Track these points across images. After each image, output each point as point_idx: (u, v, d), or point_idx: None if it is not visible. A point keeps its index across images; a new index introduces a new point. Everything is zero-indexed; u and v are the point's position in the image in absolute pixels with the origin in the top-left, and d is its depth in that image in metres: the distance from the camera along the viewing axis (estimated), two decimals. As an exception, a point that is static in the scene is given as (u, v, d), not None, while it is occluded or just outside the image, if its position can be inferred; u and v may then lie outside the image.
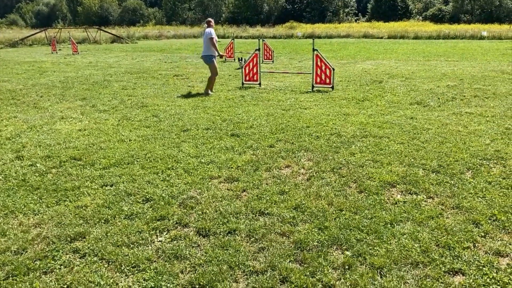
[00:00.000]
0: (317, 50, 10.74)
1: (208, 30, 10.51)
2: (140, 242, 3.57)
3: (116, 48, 30.47)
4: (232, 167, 5.35)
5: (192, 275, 3.08)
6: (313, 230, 3.72)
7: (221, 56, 11.02)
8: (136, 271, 3.16)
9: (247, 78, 11.84)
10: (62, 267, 3.24)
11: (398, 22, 55.96)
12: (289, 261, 3.24)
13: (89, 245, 3.53)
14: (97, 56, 22.82)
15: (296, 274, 3.06)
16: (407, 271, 3.12)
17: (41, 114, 8.69)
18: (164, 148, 6.17)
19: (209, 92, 10.60)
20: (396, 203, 4.26)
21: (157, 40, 45.18)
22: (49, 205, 4.34)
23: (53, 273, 3.17)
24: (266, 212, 4.09)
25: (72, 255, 3.41)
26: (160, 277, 3.05)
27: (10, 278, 3.09)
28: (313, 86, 11.02)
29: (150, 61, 19.68)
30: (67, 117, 8.33)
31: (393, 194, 4.50)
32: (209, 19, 10.97)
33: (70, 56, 23.22)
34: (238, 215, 4.04)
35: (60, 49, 28.32)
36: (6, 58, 22.91)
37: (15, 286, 2.99)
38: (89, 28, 42.19)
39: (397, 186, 4.69)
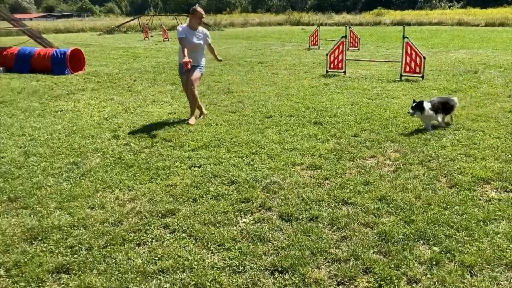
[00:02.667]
0: (407, 37, 10.29)
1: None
2: (226, 222, 3.70)
3: (203, 35, 31.33)
4: (315, 155, 5.33)
5: (275, 258, 3.14)
6: (398, 223, 3.62)
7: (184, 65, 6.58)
8: (222, 250, 3.28)
9: (332, 66, 11.66)
10: (153, 240, 3.46)
11: (497, 8, 51.76)
12: (373, 252, 3.19)
13: (178, 222, 3.73)
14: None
15: (380, 266, 3.01)
16: (501, 272, 2.94)
17: (135, 97, 9.24)
18: (249, 133, 6.30)
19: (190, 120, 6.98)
20: (490, 200, 4.01)
21: (243, 27, 45.84)
22: (142, 182, 4.63)
23: (145, 245, 3.40)
24: (349, 201, 4.04)
25: (162, 230, 3.62)
26: (244, 257, 3.15)
27: (109, 247, 3.35)
28: (401, 75, 10.60)
29: (236, 49, 20.05)
30: (158, 101, 8.77)
31: (486, 191, 4.23)
32: (194, 7, 6.98)
33: (161, 43, 24.32)
34: (320, 202, 4.03)
35: (151, 36, 29.74)
36: (104, 44, 24.54)
37: (112, 255, 3.24)
38: (179, 15, 43.77)
39: (492, 182, 4.40)
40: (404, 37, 10.31)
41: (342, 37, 11.39)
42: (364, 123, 6.66)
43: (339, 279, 2.92)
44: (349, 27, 17.07)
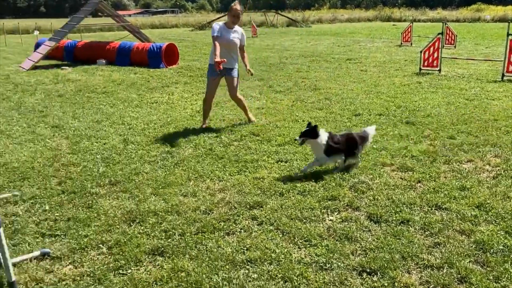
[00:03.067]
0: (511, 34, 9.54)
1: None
2: (312, 218, 3.69)
3: (291, 32, 31.44)
4: (406, 156, 5.14)
5: (363, 258, 3.08)
6: (498, 232, 3.38)
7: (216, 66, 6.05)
8: (308, 245, 3.28)
9: (426, 64, 11.13)
10: (242, 231, 3.55)
11: None
12: (469, 261, 3.01)
13: (265, 214, 3.79)
14: (274, 39, 23.88)
15: (477, 276, 2.83)
16: None
17: (225, 91, 9.48)
18: (336, 131, 6.22)
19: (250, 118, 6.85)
20: None
21: (331, 23, 45.24)
22: (232, 174, 4.77)
23: (234, 235, 3.50)
24: (443, 206, 3.85)
25: (250, 222, 3.71)
26: (331, 255, 3.13)
27: (200, 234, 3.50)
28: (503, 75, 9.85)
29: (323, 45, 19.85)
30: (247, 96, 8.94)
31: None
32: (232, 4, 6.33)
33: (250, 39, 24.73)
34: (412, 206, 3.88)
35: (240, 32, 30.35)
36: (196, 39, 25.51)
37: (203, 242, 3.37)
38: (268, 12, 44.23)
39: None
40: (508, 34, 9.56)
41: (438, 33, 10.82)
42: (461, 125, 6.29)
43: (431, 286, 2.79)
44: (445, 24, 16.17)
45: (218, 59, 5.97)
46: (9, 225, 3.70)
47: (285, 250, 3.21)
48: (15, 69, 13.47)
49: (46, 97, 9.16)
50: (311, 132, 4.59)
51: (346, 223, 3.62)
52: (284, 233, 3.48)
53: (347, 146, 4.66)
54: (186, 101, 8.58)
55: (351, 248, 3.23)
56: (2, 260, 2.78)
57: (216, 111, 7.62)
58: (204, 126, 6.63)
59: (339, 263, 3.04)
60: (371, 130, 4.92)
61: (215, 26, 6.31)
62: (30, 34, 30.78)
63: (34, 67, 13.37)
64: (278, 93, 9.10)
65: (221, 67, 6.06)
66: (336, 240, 3.34)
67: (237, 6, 6.26)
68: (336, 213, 3.81)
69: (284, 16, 42.55)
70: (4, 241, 2.62)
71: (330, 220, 3.69)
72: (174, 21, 43.57)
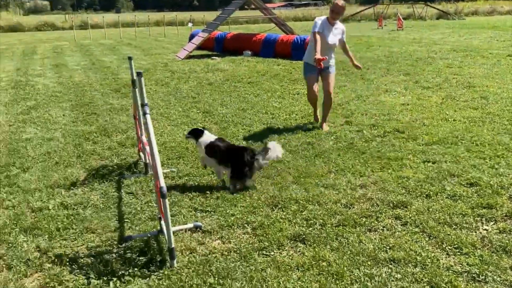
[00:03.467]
0: None
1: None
2: (464, 225, 3.43)
3: (442, 25, 29.34)
4: None
5: (524, 276, 2.78)
6: None
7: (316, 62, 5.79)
8: (459, 253, 3.06)
9: None
10: (384, 229, 3.45)
11: None
12: None
13: (410, 215, 3.63)
14: (421, 33, 22.54)
15: None
16: None
17: (367, 85, 9.27)
18: (493, 133, 5.67)
19: (324, 126, 6.25)
20: None
21: (488, 16, 41.16)
22: (374, 170, 4.65)
23: (376, 232, 3.42)
24: None
25: (393, 221, 3.58)
26: (485, 267, 2.88)
27: (341, 227, 3.49)
28: None
29: (479, 39, 18.15)
30: (391, 91, 8.62)
31: None
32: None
33: (395, 32, 23.72)
34: None
35: (385, 25, 29.25)
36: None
37: (344, 235, 3.36)
38: (416, 3, 41.85)
39: None
40: None
41: None
42: None
43: None
44: None
45: (318, 56, 5.67)
46: (168, 198, 4.09)
47: (432, 255, 3.04)
48: (172, 58, 14.78)
49: (198, 85, 9.89)
50: (195, 133, 4.42)
51: (505, 234, 3.29)
52: (431, 237, 3.29)
53: (232, 160, 4.21)
54: (327, 94, 8.56)
55: (510, 262, 2.93)
56: (164, 228, 3.10)
57: (358, 105, 7.48)
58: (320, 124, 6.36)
59: (495, 277, 2.78)
60: (274, 147, 4.26)
61: (317, 21, 6.01)
62: (184, 26, 33.49)
63: (188, 57, 14.53)
64: (425, 89, 8.59)
65: (322, 65, 5.80)
66: (492, 252, 3.06)
67: (339, 1, 5.88)
68: (492, 222, 3.49)
69: (434, 8, 39.85)
70: (168, 212, 2.91)
71: (485, 229, 3.39)
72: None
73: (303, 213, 3.73)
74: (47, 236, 3.47)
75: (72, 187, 4.41)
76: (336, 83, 9.48)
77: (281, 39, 14.18)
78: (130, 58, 4.45)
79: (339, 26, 6.13)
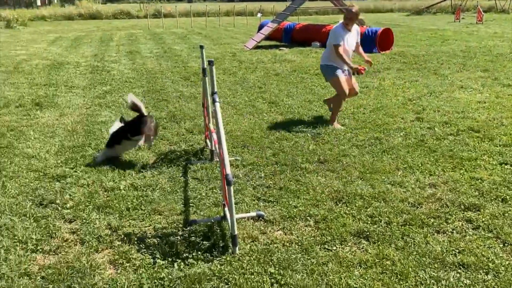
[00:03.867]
0: None
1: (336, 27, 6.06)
2: (544, 234, 3.20)
3: (526, 18, 27.32)
4: None
5: None
6: None
7: (357, 72, 5.83)
8: (536, 264, 2.87)
9: None
10: (454, 232, 3.29)
11: None
12: None
13: (483, 219, 3.43)
14: (503, 27, 21.12)
15: None
16: None
17: (441, 81, 8.85)
18: None
19: (335, 125, 6.05)
20: None
21: None
22: (445, 170, 4.44)
23: (445, 234, 3.27)
24: None
25: (464, 224, 3.41)
26: None
27: (407, 226, 3.37)
28: None
29: None
30: (466, 87, 8.17)
31: None
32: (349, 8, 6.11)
33: (473, 26, 22.41)
34: None
35: (463, 18, 27.70)
36: (411, 24, 24.29)
37: (411, 234, 3.24)
38: (498, -5, 39.23)
39: None
40: None
41: None
42: None
43: None
44: None
45: (356, 65, 5.79)
46: (232, 185, 4.16)
47: (507, 263, 2.86)
48: (240, 47, 14.93)
49: (265, 75, 9.92)
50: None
51: None
52: (506, 244, 3.10)
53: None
54: (398, 88, 8.28)
55: None
56: (228, 215, 3.15)
57: (430, 101, 7.17)
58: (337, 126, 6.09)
59: None
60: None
61: (337, 32, 5.85)
62: (254, 16, 33.66)
63: (256, 47, 14.60)
64: (506, 87, 8.06)
65: (363, 71, 5.78)
66: None
67: (354, 8, 5.87)
68: None
69: (519, 0, 37.12)
70: (233, 199, 2.96)
71: None
72: (389, 6, 42.24)
73: (368, 210, 3.64)
74: (117, 215, 3.64)
75: (142, 170, 4.59)
76: (408, 78, 9.16)
77: (351, 30, 13.85)
78: (201, 47, 4.54)
79: (354, 28, 6.04)
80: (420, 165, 4.58)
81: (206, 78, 4.61)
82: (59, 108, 6.98)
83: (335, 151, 5.05)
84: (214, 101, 3.28)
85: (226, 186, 2.97)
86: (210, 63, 3.43)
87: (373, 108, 6.87)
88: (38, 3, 61.22)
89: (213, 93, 3.35)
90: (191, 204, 3.83)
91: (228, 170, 2.90)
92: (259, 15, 31.04)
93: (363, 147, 5.16)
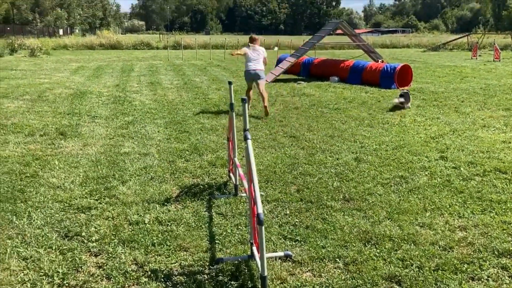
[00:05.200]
0: None
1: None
2: None
3: (544, 57, 27.29)
4: None
5: None
6: None
7: None
8: None
9: None
10: (490, 279, 3.19)
11: None
12: None
13: (519, 266, 3.33)
14: (521, 64, 21.11)
15: None
16: None
17: (462, 119, 8.79)
18: None
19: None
20: None
21: None
22: (474, 212, 4.35)
23: (480, 281, 3.17)
24: None
25: (500, 271, 3.30)
26: None
27: (440, 271, 3.28)
28: None
29: None
30: (489, 126, 8.09)
31: None
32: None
33: (491, 63, 22.43)
34: None
35: (480, 55, 27.79)
36: (428, 60, 24.41)
37: (444, 280, 3.15)
38: (514, 33, 39.41)
39: None
40: None
41: None
42: None
43: None
44: None
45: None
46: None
47: (548, 315, 2.75)
48: (258, 80, 15.07)
49: (284, 108, 9.97)
50: None
51: None
52: (546, 294, 2.98)
53: None
54: (419, 126, 8.24)
55: None
56: (256, 254, 3.10)
57: (453, 140, 7.10)
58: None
59: None
60: None
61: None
62: (270, 49, 34.17)
63: (275, 80, 14.74)
64: (529, 127, 7.97)
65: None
66: None
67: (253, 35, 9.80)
68: None
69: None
70: (264, 239, 2.91)
71: None
72: (405, 41, 42.67)
73: (397, 252, 3.56)
74: (143, 250, 3.61)
75: (166, 203, 4.58)
76: (428, 115, 9.12)
77: (369, 66, 13.96)
78: (230, 83, 4.59)
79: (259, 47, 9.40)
80: (448, 206, 4.49)
81: (233, 113, 4.64)
82: (83, 138, 7.07)
83: (360, 189, 4.99)
84: (246, 138, 3.27)
85: (256, 226, 2.93)
86: (243, 100, 3.45)
87: (396, 145, 6.82)
88: (61, 32, 63.13)
89: (245, 130, 3.35)
90: (216, 241, 3.79)
91: (260, 209, 2.86)
92: (275, 48, 31.51)
93: (388, 186, 5.10)
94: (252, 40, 9.37)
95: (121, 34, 75.33)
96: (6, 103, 10.00)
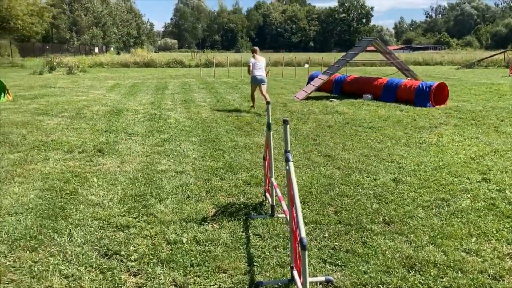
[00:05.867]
0: None
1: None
2: None
3: None
4: None
5: None
6: None
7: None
8: None
9: None
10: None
11: None
12: None
13: None
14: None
15: None
16: None
17: (504, 139, 8.51)
18: None
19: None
20: None
21: None
22: (523, 239, 4.16)
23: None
24: None
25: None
26: None
27: (491, 302, 3.12)
28: None
29: None
30: (533, 147, 7.80)
31: None
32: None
33: (505, 78, 21.78)
34: None
35: (517, 72, 27.04)
36: (462, 78, 23.90)
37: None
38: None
39: None
40: None
41: None
42: None
43: None
44: None
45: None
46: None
47: None
48: (290, 98, 15.08)
49: (317, 127, 9.89)
50: None
51: None
52: None
53: None
54: (457, 145, 8.01)
55: None
56: (297, 279, 3.02)
57: (495, 161, 6.86)
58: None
59: None
60: None
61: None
62: (301, 66, 34.22)
63: (306, 97, 14.70)
64: None
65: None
66: None
67: (254, 47, 12.69)
68: None
69: None
70: (306, 264, 2.84)
71: None
72: (438, 58, 41.97)
73: (444, 280, 3.42)
74: (181, 270, 3.59)
75: (203, 222, 4.56)
76: (467, 135, 8.88)
77: (404, 84, 13.76)
78: (268, 103, 4.57)
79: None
80: (495, 232, 4.31)
81: (271, 132, 4.62)
82: (120, 155, 7.17)
83: (400, 211, 4.85)
84: (287, 160, 3.24)
85: (299, 250, 2.86)
86: (285, 122, 3.42)
87: (435, 166, 6.64)
88: (96, 50, 65.18)
89: (286, 151, 3.31)
90: (255, 263, 3.73)
91: (303, 233, 2.81)
92: (306, 65, 31.55)
93: (429, 209, 4.94)
94: (254, 51, 12.30)
95: (155, 52, 77.17)
96: (46, 120, 10.30)
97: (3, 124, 9.73)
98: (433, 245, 4.04)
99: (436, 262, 3.69)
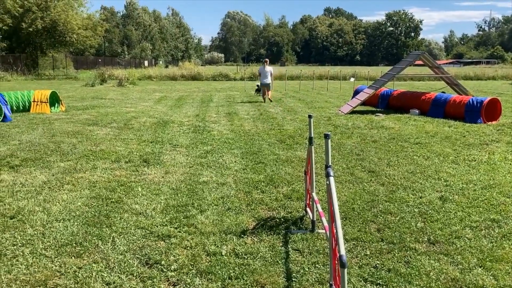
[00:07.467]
0: None
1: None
2: None
3: None
4: None
5: None
6: None
7: None
8: None
9: None
10: None
11: None
12: None
13: None
14: None
15: None
16: None
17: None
18: None
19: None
20: None
21: None
22: None
23: None
24: None
25: None
26: None
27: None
28: None
29: None
30: None
31: None
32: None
33: None
34: None
35: None
36: (517, 94, 22.84)
37: None
38: None
39: None
40: None
41: None
42: None
43: None
44: None
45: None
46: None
47: None
48: (334, 112, 14.94)
49: (362, 141, 9.72)
50: None
51: None
52: None
53: None
54: (510, 164, 7.64)
55: None
56: (337, 297, 2.95)
57: (552, 181, 6.49)
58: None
59: None
60: None
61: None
62: (346, 80, 33.91)
63: (351, 112, 14.52)
64: None
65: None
66: None
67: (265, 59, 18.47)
68: None
69: None
70: (346, 283, 2.77)
71: None
72: (490, 73, 40.42)
73: (492, 306, 3.24)
74: (220, 282, 3.60)
75: (242, 235, 4.56)
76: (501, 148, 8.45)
77: (453, 99, 13.32)
78: (310, 117, 4.55)
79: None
80: (549, 256, 4.06)
81: (312, 146, 4.58)
82: (165, 166, 7.33)
83: (447, 231, 4.66)
84: (328, 175, 3.19)
85: (338, 268, 2.80)
86: (327, 136, 3.39)
87: (485, 185, 6.35)
88: (146, 64, 67.32)
89: (327, 166, 3.27)
90: (293, 279, 3.68)
91: (343, 250, 2.74)
92: (352, 79, 31.20)
93: (478, 229, 4.72)
94: (265, 62, 17.96)
95: (201, 65, 78.82)
96: (96, 130, 10.70)
97: (55, 133, 10.20)
98: (481, 268, 3.85)
99: (484, 286, 3.51)
